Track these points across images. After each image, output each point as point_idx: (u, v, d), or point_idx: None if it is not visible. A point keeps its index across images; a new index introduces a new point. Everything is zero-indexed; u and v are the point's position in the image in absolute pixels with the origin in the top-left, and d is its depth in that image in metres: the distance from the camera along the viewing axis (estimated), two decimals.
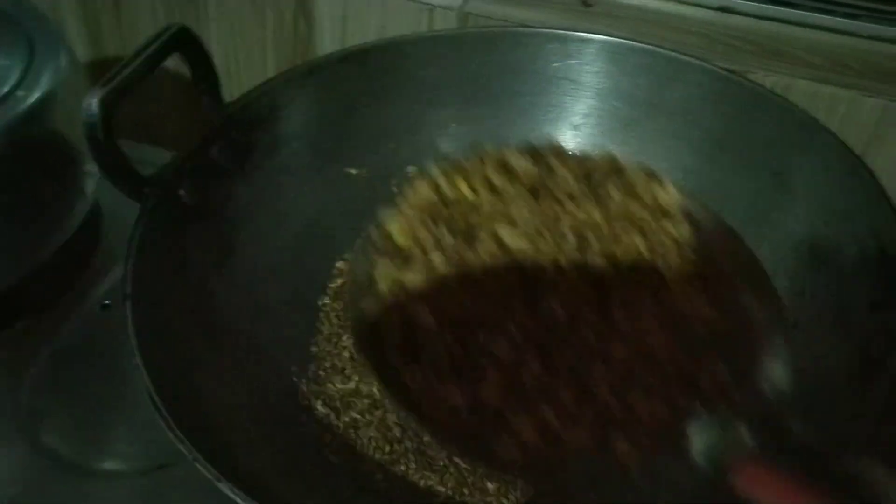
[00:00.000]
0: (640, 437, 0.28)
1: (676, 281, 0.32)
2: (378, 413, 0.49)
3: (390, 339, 0.32)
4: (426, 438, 0.47)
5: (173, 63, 0.46)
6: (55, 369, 0.54)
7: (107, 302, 0.58)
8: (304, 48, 0.74)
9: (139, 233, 0.41)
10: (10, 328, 0.56)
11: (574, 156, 0.37)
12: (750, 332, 0.32)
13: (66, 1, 0.79)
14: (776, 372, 0.30)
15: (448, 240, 0.33)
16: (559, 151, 0.37)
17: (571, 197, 0.34)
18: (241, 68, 0.77)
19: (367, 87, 0.54)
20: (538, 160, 0.37)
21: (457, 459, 0.47)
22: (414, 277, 0.32)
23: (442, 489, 0.45)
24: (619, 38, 0.55)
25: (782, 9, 0.65)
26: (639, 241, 0.33)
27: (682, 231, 0.35)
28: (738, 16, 0.66)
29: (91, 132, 0.40)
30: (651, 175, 0.37)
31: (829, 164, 0.46)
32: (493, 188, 0.35)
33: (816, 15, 0.65)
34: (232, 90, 0.51)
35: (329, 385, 0.49)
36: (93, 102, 0.40)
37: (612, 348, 0.29)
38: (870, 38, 0.63)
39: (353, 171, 0.56)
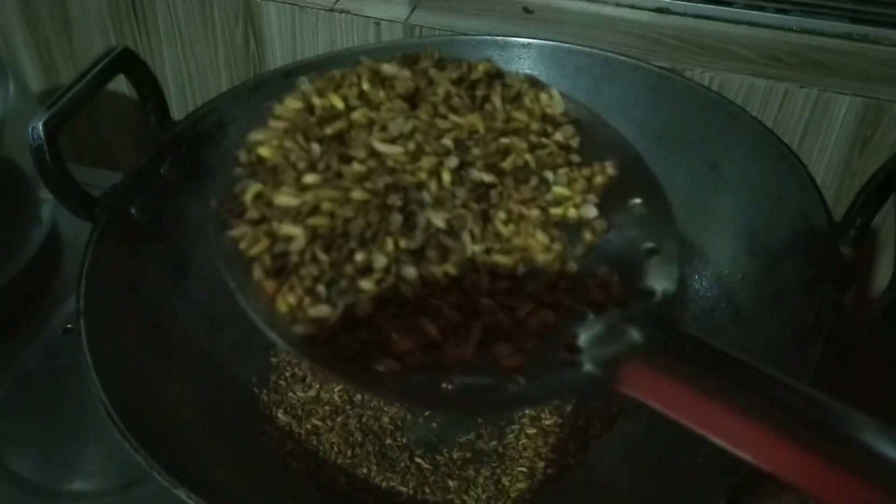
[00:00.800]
0: (524, 342, 0.28)
1: (563, 186, 0.32)
2: (339, 419, 0.50)
3: (260, 263, 0.29)
4: (388, 441, 0.49)
5: (119, 86, 0.47)
6: (18, 393, 0.54)
7: (69, 326, 0.58)
8: (257, 66, 0.75)
9: (91, 251, 0.42)
10: None
11: (454, 63, 0.35)
12: (638, 237, 0.31)
13: (17, 31, 0.79)
14: (665, 274, 0.30)
15: (317, 151, 0.31)
16: (438, 59, 0.35)
17: (451, 107, 0.33)
18: (196, 89, 0.78)
19: None
20: (415, 70, 0.35)
21: (418, 460, 0.48)
22: (284, 196, 0.30)
23: (404, 489, 0.47)
24: (556, 41, 0.56)
25: (716, 7, 0.68)
26: (524, 150, 0.32)
27: (568, 135, 0.34)
28: (674, 16, 0.68)
29: (38, 155, 0.41)
30: (535, 82, 0.36)
31: (759, 151, 0.48)
32: (365, 97, 0.34)
33: (749, 11, 0.67)
34: (188, 111, 0.52)
35: (290, 394, 0.50)
36: (38, 126, 0.41)
37: (494, 257, 0.29)
38: (800, 31, 0.66)
39: None
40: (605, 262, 0.31)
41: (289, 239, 0.30)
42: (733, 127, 0.50)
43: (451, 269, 0.29)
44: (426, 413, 0.51)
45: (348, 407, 0.50)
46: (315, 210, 0.30)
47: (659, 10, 0.69)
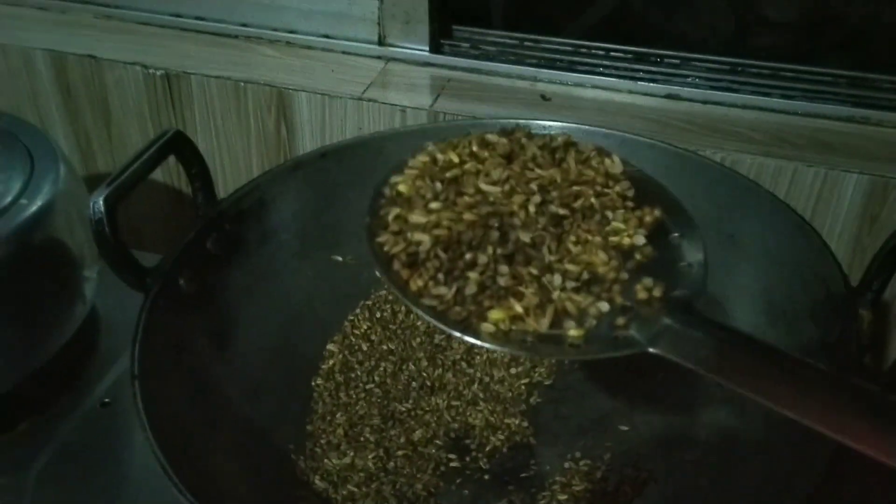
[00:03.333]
0: (585, 322, 0.39)
1: (620, 222, 0.43)
2: (374, 485, 0.51)
3: (398, 259, 0.41)
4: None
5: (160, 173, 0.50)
6: (58, 466, 0.55)
7: (107, 400, 0.60)
8: (287, 152, 0.78)
9: (143, 318, 0.44)
10: (12, 430, 0.58)
11: (540, 135, 0.48)
12: (676, 259, 0.43)
13: (58, 122, 0.84)
14: (693, 279, 0.42)
15: (439, 188, 0.44)
16: (528, 132, 0.48)
17: (537, 163, 0.45)
18: (229, 177, 0.82)
19: (347, 179, 0.59)
20: (511, 139, 0.47)
21: None
22: (416, 216, 0.43)
23: None
24: (576, 123, 0.60)
25: (724, 93, 0.72)
26: (590, 195, 0.44)
27: (625, 188, 0.45)
28: (684, 102, 0.72)
29: (97, 227, 0.44)
30: (601, 150, 0.48)
31: (774, 222, 0.51)
32: (475, 155, 0.46)
33: (755, 97, 0.71)
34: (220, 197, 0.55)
35: (326, 461, 0.51)
36: (98, 200, 0.44)
37: (565, 265, 0.41)
38: (805, 115, 0.70)
39: (340, 259, 0.59)
40: (650, 275, 0.41)
41: (419, 243, 0.41)
42: (748, 200, 0.53)
43: (533, 269, 0.40)
44: (458, 481, 0.52)
45: (382, 474, 0.51)
46: (437, 225, 0.42)
47: (669, 97, 0.73)
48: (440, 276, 0.40)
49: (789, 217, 0.50)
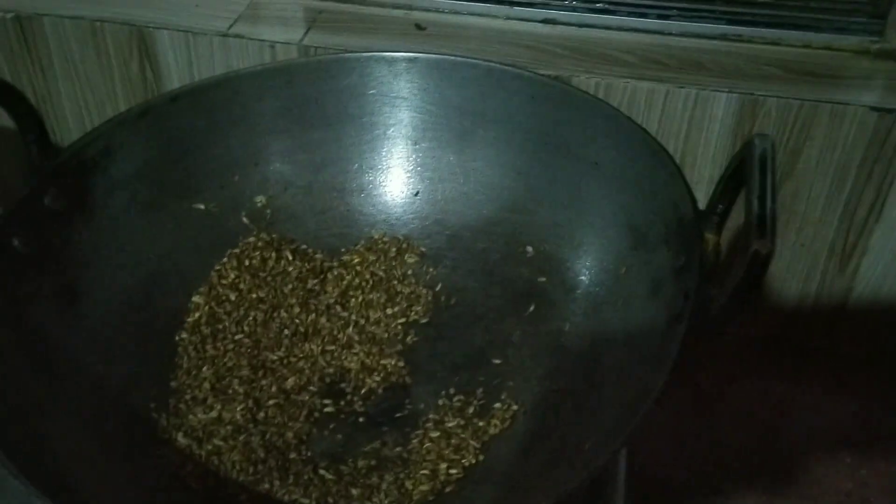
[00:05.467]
0: None
1: None
2: (242, 437, 0.50)
3: None
4: (292, 455, 0.49)
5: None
6: None
7: None
8: (155, 94, 0.75)
9: None
10: None
11: None
12: None
13: None
14: None
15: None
16: None
17: None
18: (97, 122, 0.78)
19: (205, 123, 0.56)
20: None
21: (322, 471, 0.48)
22: None
23: (306, 501, 0.47)
24: (441, 54, 0.58)
25: (600, 16, 0.70)
26: None
27: None
28: (560, 26, 0.71)
29: None
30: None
31: (634, 149, 0.50)
32: None
33: (631, 18, 0.70)
34: None
35: (191, 416, 0.50)
36: None
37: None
38: (680, 34, 0.69)
39: (202, 206, 0.57)
40: None
41: None
42: (610, 128, 0.52)
43: None
44: (331, 426, 0.51)
45: (251, 425, 0.50)
46: None
47: (546, 21, 0.71)
48: None
49: (648, 144, 0.50)
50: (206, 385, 0.52)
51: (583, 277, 0.53)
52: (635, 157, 0.51)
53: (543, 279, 0.55)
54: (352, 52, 0.67)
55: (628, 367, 0.45)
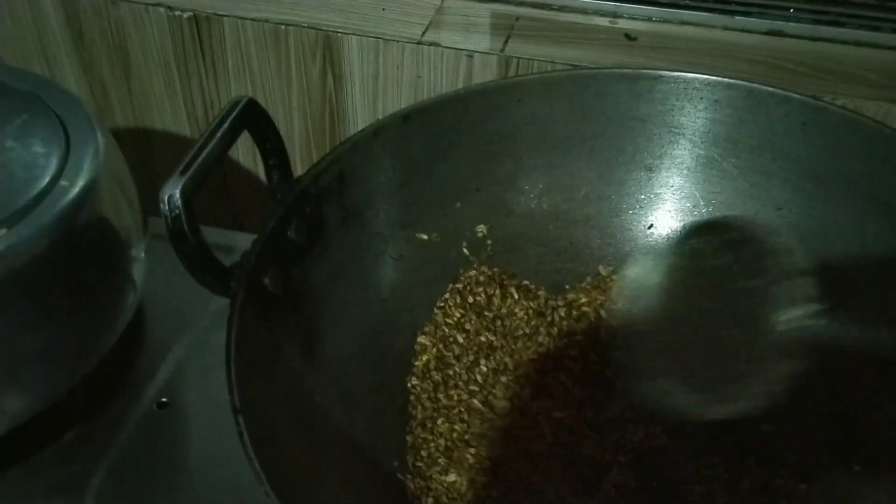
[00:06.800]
0: None
1: None
2: None
3: None
4: None
5: None
6: (117, 482, 0.49)
7: (164, 400, 0.53)
8: (334, 106, 0.70)
9: (234, 336, 0.37)
10: (59, 441, 0.51)
11: None
12: None
13: (69, 73, 0.74)
14: None
15: None
16: None
17: None
18: None
19: (434, 144, 0.51)
20: None
21: None
22: None
23: None
24: (693, 73, 0.52)
25: (833, 28, 0.63)
26: None
27: None
28: (788, 38, 0.64)
29: (175, 225, 0.36)
30: None
31: None
32: None
33: (866, 32, 0.63)
34: None
35: (433, 479, 0.45)
36: (175, 193, 0.36)
37: None
38: None
39: (425, 237, 0.52)
40: None
41: None
42: None
43: None
44: None
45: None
46: None
47: (771, 33, 0.64)
48: None
49: None
50: (442, 442, 0.47)
51: None
52: None
53: None
54: (572, 66, 0.62)
55: None
